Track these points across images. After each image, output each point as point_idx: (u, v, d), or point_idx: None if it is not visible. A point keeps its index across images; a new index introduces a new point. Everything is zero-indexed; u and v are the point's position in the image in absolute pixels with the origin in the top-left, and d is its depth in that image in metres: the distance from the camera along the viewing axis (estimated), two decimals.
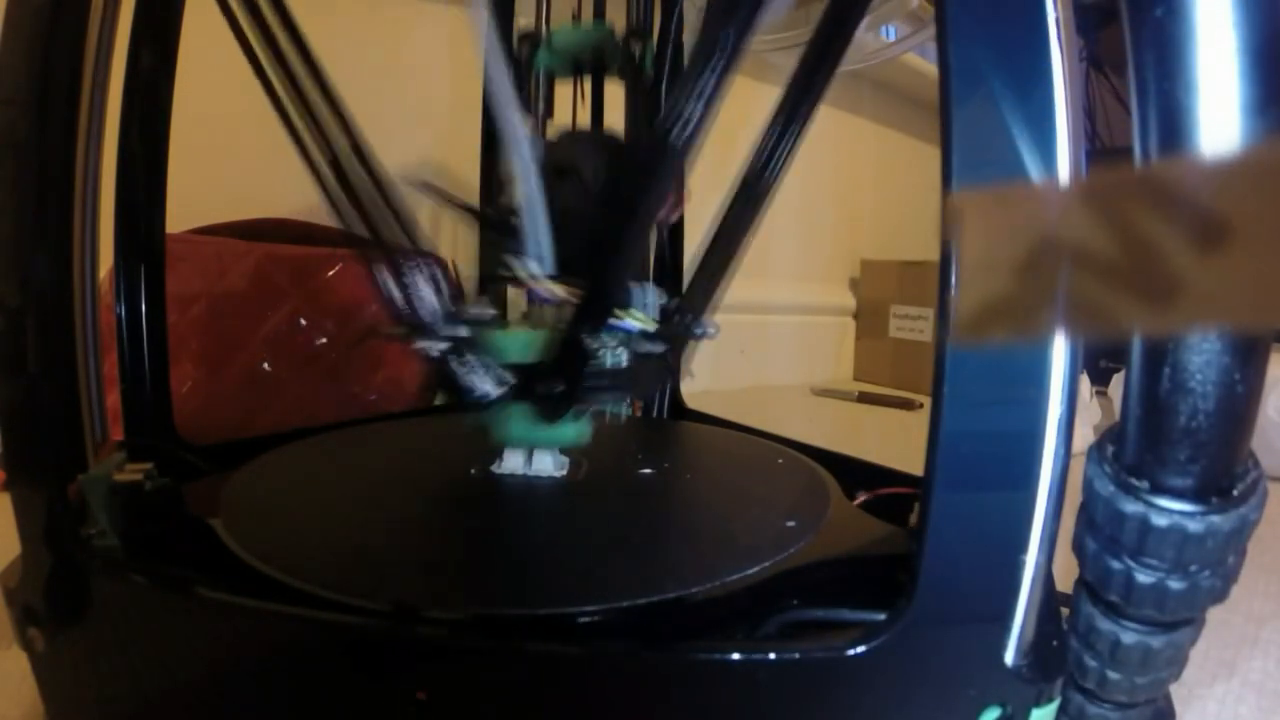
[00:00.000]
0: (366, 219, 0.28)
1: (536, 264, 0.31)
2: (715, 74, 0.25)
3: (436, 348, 0.29)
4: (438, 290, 0.29)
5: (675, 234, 0.54)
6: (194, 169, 0.75)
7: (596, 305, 0.30)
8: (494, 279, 0.32)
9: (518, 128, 0.29)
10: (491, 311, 0.31)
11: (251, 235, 0.66)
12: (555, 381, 0.31)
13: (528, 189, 0.30)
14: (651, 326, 0.32)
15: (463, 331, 0.30)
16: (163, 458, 0.36)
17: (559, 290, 0.31)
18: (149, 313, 0.38)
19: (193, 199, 0.74)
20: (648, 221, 0.29)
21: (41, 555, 0.27)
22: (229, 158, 0.76)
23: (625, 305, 0.32)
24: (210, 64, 0.59)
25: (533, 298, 0.33)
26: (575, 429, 0.34)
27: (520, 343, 0.31)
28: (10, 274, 0.27)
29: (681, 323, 0.35)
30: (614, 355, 0.32)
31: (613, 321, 0.31)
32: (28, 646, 0.27)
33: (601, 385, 0.31)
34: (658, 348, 0.33)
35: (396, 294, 0.29)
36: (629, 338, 0.32)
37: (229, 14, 0.29)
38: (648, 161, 0.27)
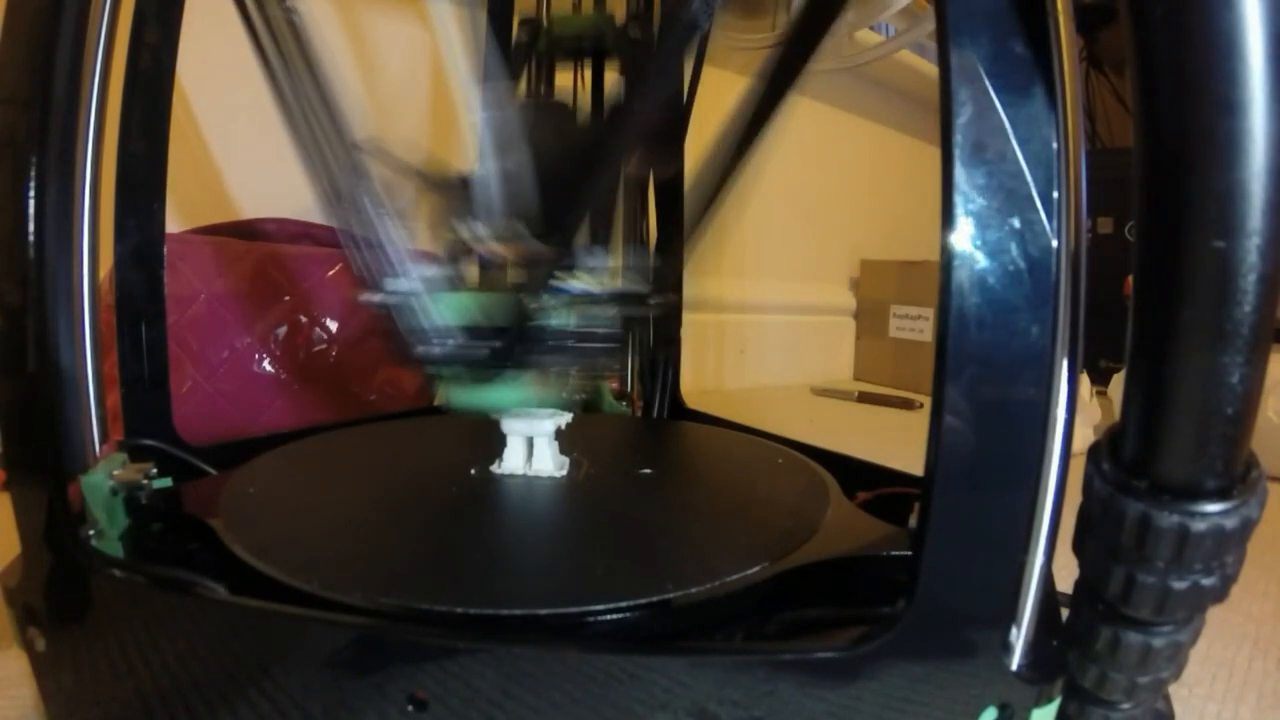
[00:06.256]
0: (338, 179, 0.28)
1: (499, 225, 0.31)
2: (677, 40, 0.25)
3: (410, 303, 0.29)
4: (409, 248, 0.29)
5: (673, 195, 0.53)
6: (194, 169, 0.75)
7: (550, 266, 0.30)
8: (457, 241, 0.32)
9: (471, 95, 0.29)
10: (462, 269, 0.31)
11: (251, 235, 0.66)
12: (534, 342, 0.31)
13: (502, 152, 0.30)
14: (634, 288, 0.32)
15: (437, 288, 0.30)
16: (163, 458, 0.36)
17: (504, 251, 0.31)
18: (149, 313, 0.38)
19: (193, 199, 0.74)
20: (604, 181, 0.29)
21: (41, 555, 0.27)
22: (229, 158, 0.76)
23: (606, 266, 0.32)
24: (211, 63, 0.59)
25: (493, 260, 0.33)
26: (550, 390, 0.34)
27: (495, 303, 0.31)
28: (10, 274, 0.27)
29: (660, 286, 0.35)
30: (592, 317, 0.32)
31: (588, 283, 0.31)
32: (28, 646, 0.27)
33: (581, 348, 0.31)
34: (638, 311, 0.33)
35: (375, 258, 0.29)
36: (607, 299, 0.32)
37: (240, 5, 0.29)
38: (612, 119, 0.27)
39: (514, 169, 0.31)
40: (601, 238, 0.32)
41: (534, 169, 0.31)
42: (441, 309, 0.30)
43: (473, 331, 0.31)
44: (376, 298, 0.29)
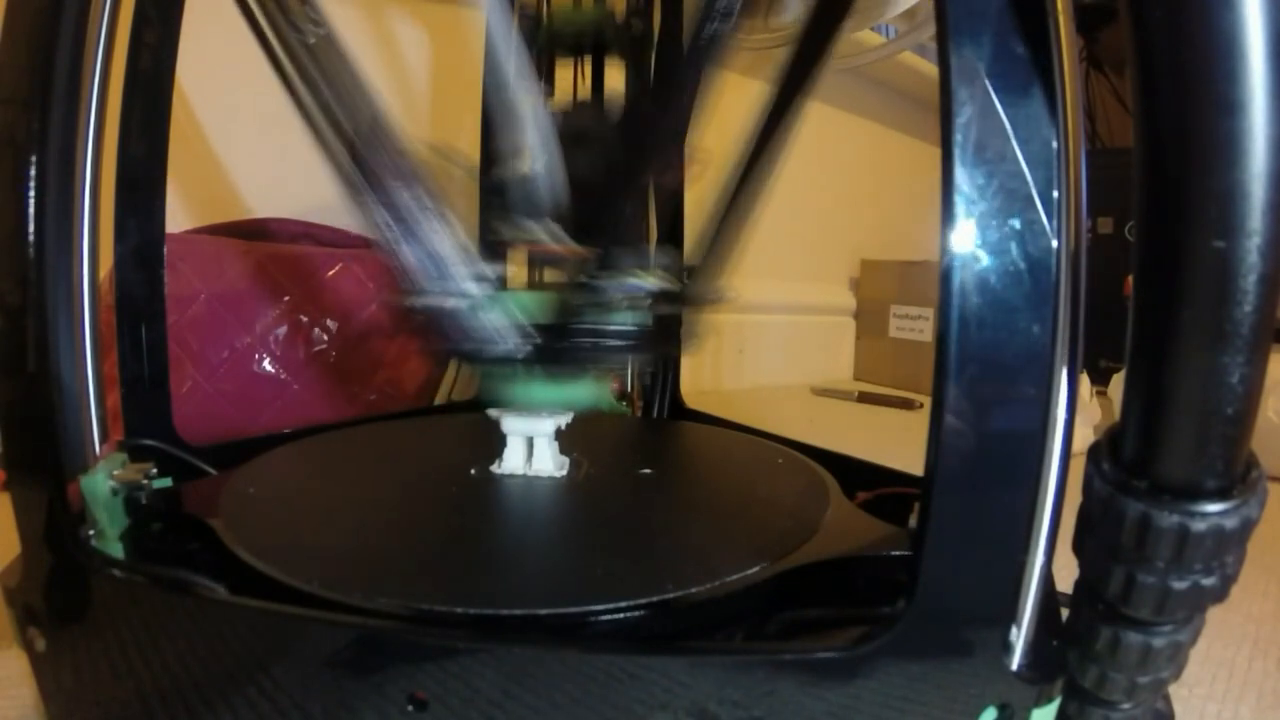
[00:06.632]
0: (382, 184, 0.28)
1: (538, 225, 0.31)
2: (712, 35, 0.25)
3: (458, 304, 0.29)
4: (455, 249, 0.29)
5: (673, 195, 0.53)
6: (194, 169, 0.75)
7: (608, 263, 0.30)
8: (497, 242, 0.32)
9: (525, 95, 0.30)
10: (504, 269, 0.32)
11: (251, 235, 0.66)
12: (573, 340, 0.31)
13: (538, 153, 0.30)
14: (672, 286, 0.32)
15: (483, 289, 0.30)
16: (163, 458, 0.36)
17: (562, 250, 0.31)
18: (149, 313, 0.38)
19: (193, 199, 0.74)
20: (641, 180, 0.30)
21: (41, 555, 0.27)
22: (229, 158, 0.76)
23: (643, 265, 0.32)
24: (211, 63, 0.59)
25: (534, 259, 0.33)
26: (591, 389, 0.34)
27: (538, 302, 0.32)
28: (10, 274, 0.27)
29: (695, 285, 0.35)
30: (632, 315, 0.32)
31: (632, 281, 0.31)
32: (28, 646, 0.27)
33: (618, 345, 0.32)
34: (676, 309, 0.33)
35: (419, 260, 0.29)
36: (646, 298, 0.32)
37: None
38: (648, 121, 0.27)
39: (556, 168, 0.31)
40: (634, 237, 0.32)
41: (573, 169, 0.31)
42: (489, 308, 0.30)
43: (519, 330, 0.31)
44: (422, 300, 0.29)
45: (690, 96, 0.27)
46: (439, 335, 0.30)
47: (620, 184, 0.31)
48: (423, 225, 0.28)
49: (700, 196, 0.37)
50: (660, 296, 0.32)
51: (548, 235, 0.31)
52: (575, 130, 0.33)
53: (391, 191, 0.28)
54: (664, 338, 0.33)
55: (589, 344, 0.31)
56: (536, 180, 0.31)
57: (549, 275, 0.35)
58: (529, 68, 0.32)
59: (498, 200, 0.32)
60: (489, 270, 0.30)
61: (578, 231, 0.32)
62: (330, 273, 0.63)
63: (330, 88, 0.27)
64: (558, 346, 0.31)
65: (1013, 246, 0.21)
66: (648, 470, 0.40)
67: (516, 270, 0.35)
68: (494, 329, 0.30)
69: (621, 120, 0.35)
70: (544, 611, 0.25)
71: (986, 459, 0.22)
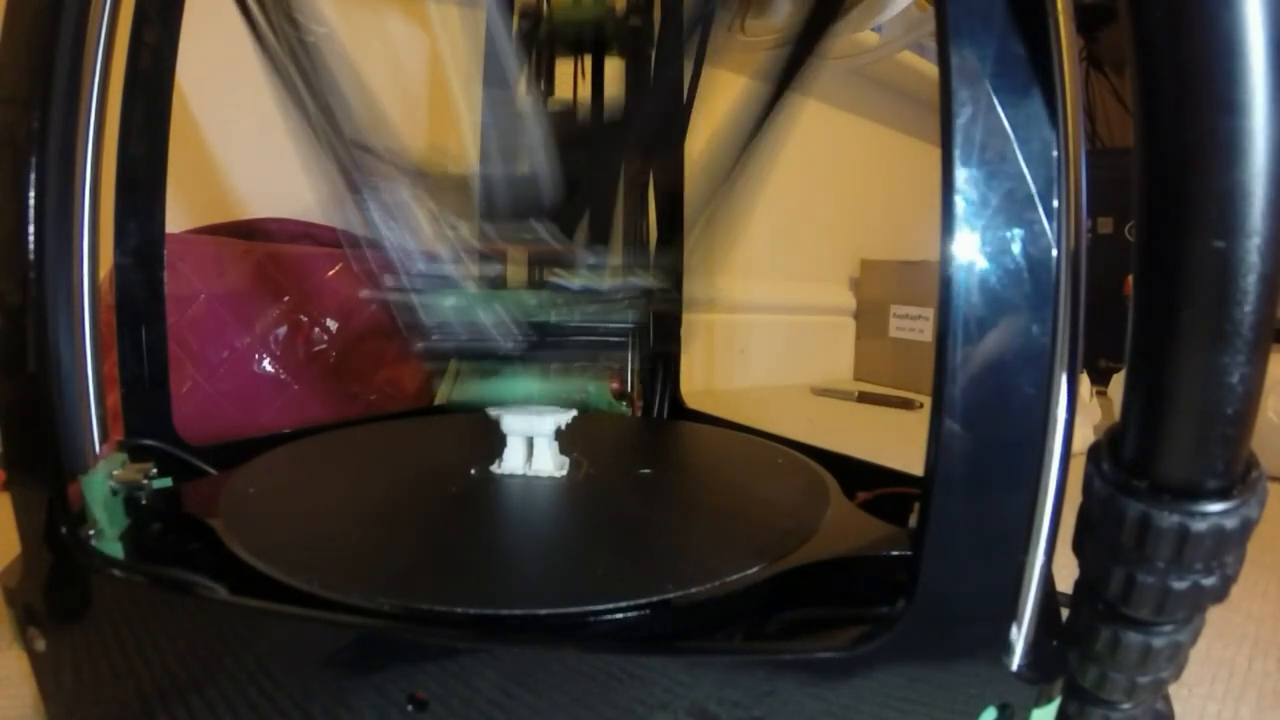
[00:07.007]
0: (365, 179, 0.28)
1: (486, 224, 0.31)
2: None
3: (423, 305, 0.29)
4: (422, 254, 0.29)
5: (673, 195, 0.53)
6: (194, 169, 0.75)
7: (554, 263, 0.31)
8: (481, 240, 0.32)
9: (472, 95, 0.30)
10: (474, 270, 0.32)
11: (251, 235, 0.66)
12: (538, 338, 0.31)
13: (483, 151, 0.30)
14: (644, 284, 0.32)
15: (447, 287, 0.30)
16: (163, 458, 0.36)
17: (508, 249, 0.31)
18: (149, 313, 0.38)
19: (193, 199, 0.74)
20: (606, 179, 0.29)
21: (41, 555, 0.27)
22: (229, 158, 0.76)
23: (580, 263, 0.32)
24: (211, 63, 0.59)
25: (486, 258, 0.33)
26: (555, 387, 0.34)
27: (503, 301, 0.31)
28: (10, 274, 0.27)
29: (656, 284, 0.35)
30: (598, 314, 0.32)
31: (584, 281, 0.31)
32: (28, 646, 0.27)
33: (586, 343, 0.32)
34: (645, 306, 0.33)
35: (381, 256, 0.29)
36: (608, 294, 0.32)
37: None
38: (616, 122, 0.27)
39: (517, 167, 0.31)
40: (602, 235, 0.32)
41: (537, 167, 0.31)
42: (446, 305, 0.31)
43: (477, 327, 0.31)
44: (382, 294, 0.29)
45: (661, 91, 0.27)
46: (402, 332, 0.30)
47: (584, 181, 0.31)
48: (383, 219, 0.28)
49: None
50: (625, 294, 0.32)
51: (512, 233, 0.31)
52: (561, 129, 0.33)
53: (353, 185, 0.28)
54: (632, 336, 0.33)
55: (550, 342, 0.31)
56: (502, 177, 0.31)
57: (515, 273, 0.35)
58: (525, 66, 0.33)
59: (463, 196, 0.32)
60: (449, 267, 0.30)
61: (546, 228, 0.32)
62: (330, 273, 0.63)
63: (324, 84, 0.28)
64: (518, 344, 0.31)
65: (1013, 247, 0.21)
66: (647, 470, 0.40)
67: (489, 266, 0.35)
68: (452, 326, 0.30)
69: (587, 117, 0.35)
70: (544, 611, 0.25)
71: (986, 459, 0.22)
